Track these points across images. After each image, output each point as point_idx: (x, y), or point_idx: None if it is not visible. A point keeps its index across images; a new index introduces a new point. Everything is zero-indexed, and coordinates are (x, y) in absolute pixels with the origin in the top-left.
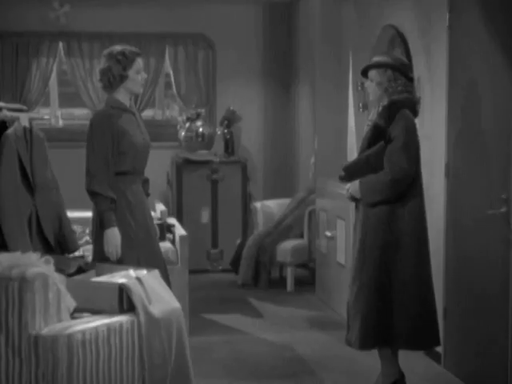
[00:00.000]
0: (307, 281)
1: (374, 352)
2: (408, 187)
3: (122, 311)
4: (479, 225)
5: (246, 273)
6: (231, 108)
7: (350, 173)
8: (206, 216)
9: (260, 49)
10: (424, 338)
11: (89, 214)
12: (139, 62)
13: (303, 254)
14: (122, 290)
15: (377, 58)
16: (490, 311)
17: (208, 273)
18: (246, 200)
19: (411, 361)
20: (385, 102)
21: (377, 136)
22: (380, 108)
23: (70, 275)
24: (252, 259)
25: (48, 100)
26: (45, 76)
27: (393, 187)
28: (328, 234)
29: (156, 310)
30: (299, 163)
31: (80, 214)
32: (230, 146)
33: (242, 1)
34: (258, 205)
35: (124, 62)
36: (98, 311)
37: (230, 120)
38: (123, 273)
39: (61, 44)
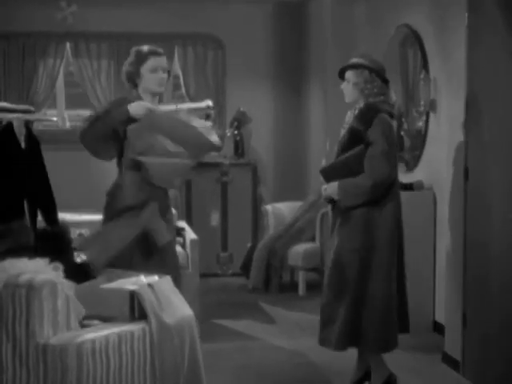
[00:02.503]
0: (319, 285)
1: (389, 358)
2: (385, 191)
3: (133, 319)
4: (500, 229)
5: (257, 277)
6: (241, 109)
7: (328, 175)
8: (215, 219)
9: (270, 49)
10: (382, 344)
11: (97, 217)
12: (155, 61)
13: (315, 257)
14: (134, 296)
15: (354, 60)
16: (511, 318)
17: (218, 276)
18: (257, 203)
19: (428, 368)
20: (361, 104)
21: (353, 139)
22: (356, 111)
23: (78, 282)
24: (263, 263)
25: (54, 101)
26: (52, 77)
27: (373, 192)
28: None
29: (168, 317)
30: (310, 165)
31: (88, 217)
32: (239, 147)
33: (252, 0)
34: (268, 207)
35: (136, 59)
36: (108, 318)
37: (240, 121)
38: (134, 279)
39: (68, 44)
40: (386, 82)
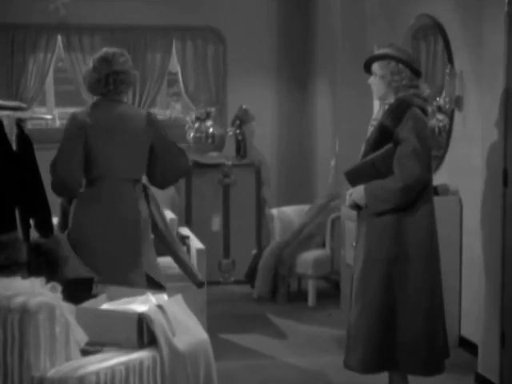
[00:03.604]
0: (329, 294)
1: (413, 378)
2: (417, 194)
3: (141, 346)
4: None
5: (263, 286)
6: (243, 107)
7: (353, 178)
8: (217, 223)
9: (274, 43)
10: (429, 364)
11: None
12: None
13: (326, 265)
14: (142, 320)
15: (380, 50)
16: None
17: (219, 284)
18: (261, 206)
19: None
20: (391, 99)
21: (383, 137)
22: (386, 106)
23: (78, 302)
24: (270, 271)
25: (44, 98)
26: (42, 72)
27: (403, 196)
28: None
29: (181, 342)
30: (317, 166)
31: None
32: (241, 147)
33: None
34: (274, 212)
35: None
36: (113, 345)
37: (242, 120)
38: (141, 298)
39: (60, 37)
40: (417, 73)
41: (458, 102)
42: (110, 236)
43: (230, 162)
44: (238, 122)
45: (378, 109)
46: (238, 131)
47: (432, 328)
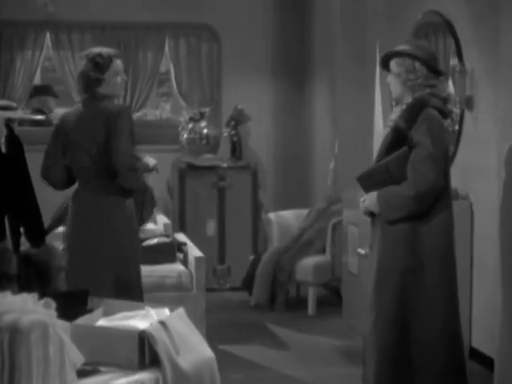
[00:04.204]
0: (329, 302)
1: None
2: (434, 201)
3: (143, 366)
4: None
5: (261, 293)
6: (239, 107)
7: (366, 183)
8: (211, 228)
9: (270, 41)
10: (449, 378)
11: None
12: (117, 64)
13: (326, 272)
14: (144, 338)
15: (398, 47)
16: None
17: (214, 291)
18: (257, 210)
19: None
20: (408, 99)
21: (397, 140)
22: (404, 106)
23: (72, 317)
24: (268, 278)
25: None
26: (30, 70)
27: (417, 203)
28: (361, 251)
29: (185, 362)
30: (315, 169)
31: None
32: (237, 149)
33: None
34: (271, 216)
35: (99, 65)
36: (112, 365)
37: (238, 120)
38: (140, 312)
39: (48, 34)
40: (436, 72)
41: (468, 103)
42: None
43: (225, 165)
44: (233, 122)
45: (394, 109)
46: (233, 132)
47: (450, 344)
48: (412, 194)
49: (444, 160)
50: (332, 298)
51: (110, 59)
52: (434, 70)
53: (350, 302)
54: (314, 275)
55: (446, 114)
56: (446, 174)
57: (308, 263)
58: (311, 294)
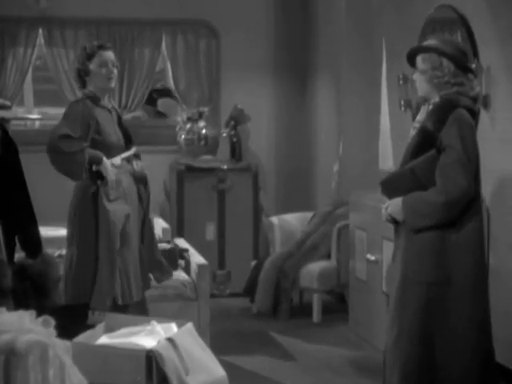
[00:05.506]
0: (334, 309)
1: None
2: (464, 208)
3: None
4: None
5: (264, 300)
6: (238, 106)
7: (390, 189)
8: (211, 232)
9: (272, 38)
10: None
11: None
12: (104, 55)
13: (332, 278)
14: (151, 358)
15: (425, 42)
16: None
17: (214, 297)
18: (258, 213)
19: None
20: (436, 98)
21: (424, 143)
22: (431, 106)
23: (71, 333)
24: (271, 284)
25: (22, 98)
26: (22, 68)
27: (446, 210)
28: (370, 257)
29: (195, 382)
30: (318, 171)
31: (54, 233)
32: (237, 150)
33: None
34: (274, 220)
35: (83, 55)
36: None
37: (237, 120)
38: (146, 328)
39: (41, 31)
40: (464, 69)
41: (484, 101)
42: None
43: (224, 166)
44: (232, 122)
45: (421, 109)
46: (232, 132)
47: (483, 365)
48: (441, 200)
49: (474, 165)
50: (337, 305)
51: (95, 49)
52: (463, 67)
53: (358, 310)
54: (319, 282)
55: (475, 115)
56: (476, 180)
57: (313, 269)
58: (316, 301)
